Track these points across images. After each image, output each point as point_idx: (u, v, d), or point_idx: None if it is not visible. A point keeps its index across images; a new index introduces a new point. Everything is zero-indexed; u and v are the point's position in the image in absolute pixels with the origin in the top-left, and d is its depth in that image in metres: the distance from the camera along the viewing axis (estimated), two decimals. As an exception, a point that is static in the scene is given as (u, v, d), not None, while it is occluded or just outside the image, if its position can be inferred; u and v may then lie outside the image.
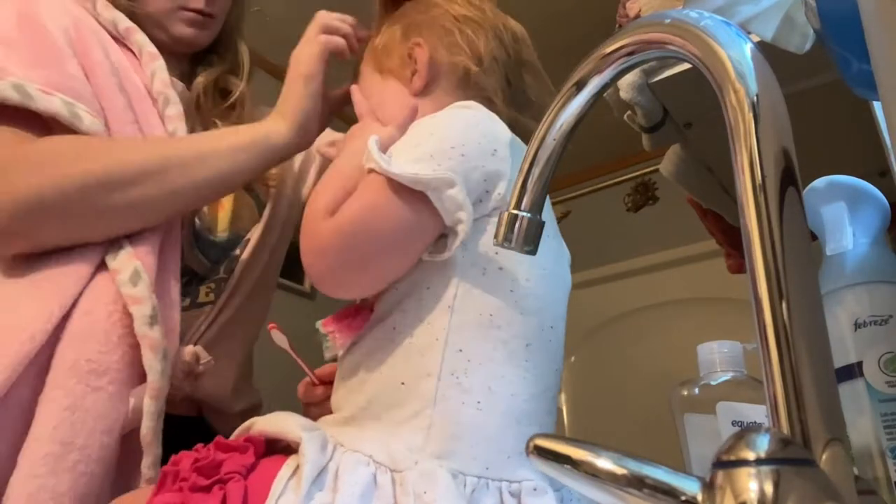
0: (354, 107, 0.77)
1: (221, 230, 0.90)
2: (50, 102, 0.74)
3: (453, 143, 0.60)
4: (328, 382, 0.75)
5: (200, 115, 0.92)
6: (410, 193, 0.58)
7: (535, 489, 0.56)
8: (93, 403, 0.68)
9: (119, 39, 0.86)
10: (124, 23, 0.86)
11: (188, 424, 0.82)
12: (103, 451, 0.68)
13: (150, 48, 0.86)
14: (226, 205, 0.91)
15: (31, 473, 0.64)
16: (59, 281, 0.72)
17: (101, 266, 0.74)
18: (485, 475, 0.56)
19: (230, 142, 0.79)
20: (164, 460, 0.69)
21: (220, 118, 0.94)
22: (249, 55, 1.00)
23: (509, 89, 0.74)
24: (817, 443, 0.31)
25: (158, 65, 0.85)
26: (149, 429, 0.70)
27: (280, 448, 0.59)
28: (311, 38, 0.82)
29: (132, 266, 0.73)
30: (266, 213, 0.94)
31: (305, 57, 0.81)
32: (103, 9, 0.86)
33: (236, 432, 0.62)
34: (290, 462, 0.55)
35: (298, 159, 1.00)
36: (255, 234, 0.93)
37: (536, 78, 0.77)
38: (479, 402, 0.58)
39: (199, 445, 0.59)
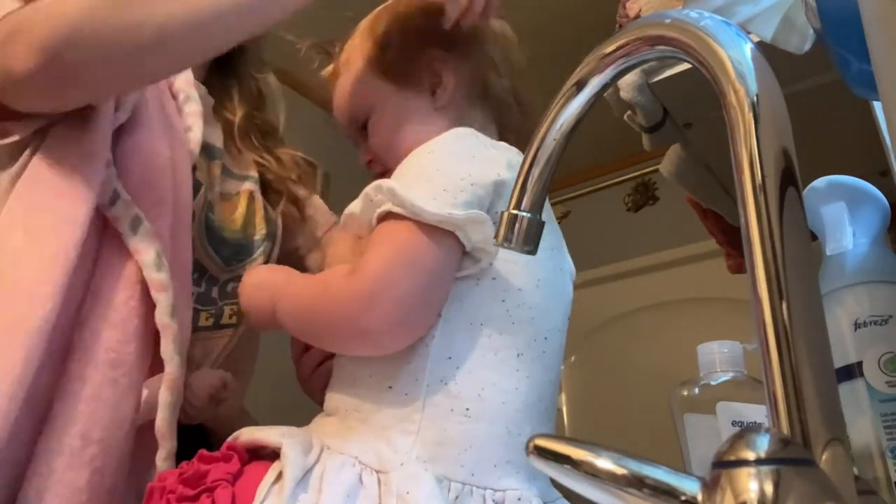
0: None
1: (234, 230, 0.89)
2: None
3: (462, 175, 0.61)
4: None
5: (236, 131, 0.94)
6: (441, 233, 0.58)
7: (519, 499, 0.56)
8: (109, 396, 0.66)
9: None
10: None
11: (192, 432, 0.80)
12: (117, 444, 0.67)
13: None
14: (240, 206, 0.91)
15: (48, 468, 0.63)
16: (60, 232, 0.67)
17: (106, 236, 0.71)
18: (470, 482, 0.56)
19: None
20: (177, 454, 0.69)
21: (259, 134, 0.97)
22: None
23: (515, 95, 0.75)
24: (817, 443, 0.31)
25: None
26: (164, 420, 0.69)
27: (264, 455, 0.59)
28: None
29: (154, 248, 0.71)
30: (278, 236, 0.94)
31: None
32: None
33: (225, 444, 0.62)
34: (275, 466, 0.56)
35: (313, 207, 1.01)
36: (272, 258, 0.93)
37: (524, 81, 0.77)
38: (467, 409, 0.58)
39: (184, 462, 0.59)
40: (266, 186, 0.96)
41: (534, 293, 0.63)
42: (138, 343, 0.69)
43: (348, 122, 0.76)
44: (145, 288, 0.70)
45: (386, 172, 0.72)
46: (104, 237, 0.71)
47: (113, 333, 0.68)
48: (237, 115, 0.96)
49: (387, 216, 0.60)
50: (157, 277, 0.70)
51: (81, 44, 0.65)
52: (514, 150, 0.67)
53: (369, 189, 0.62)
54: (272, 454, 0.58)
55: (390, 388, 0.59)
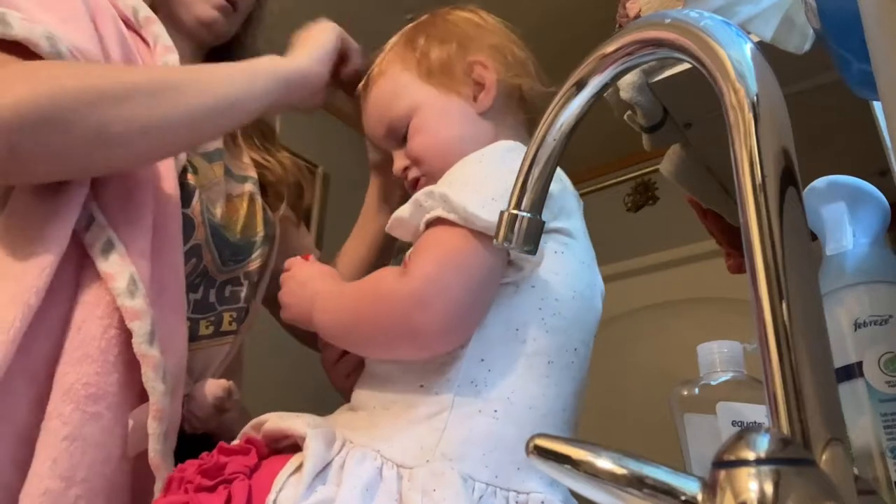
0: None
1: (235, 231, 0.88)
2: (31, 31, 0.67)
3: (510, 185, 0.61)
4: None
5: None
6: (490, 240, 0.58)
7: (542, 502, 0.56)
8: (91, 432, 0.64)
9: (135, 28, 0.84)
10: (144, 12, 0.85)
11: (197, 440, 0.79)
12: (104, 481, 0.65)
13: (166, 41, 0.84)
14: (241, 208, 0.90)
15: None
16: (20, 277, 0.64)
17: (83, 262, 0.68)
18: (493, 483, 0.56)
19: (236, 68, 0.77)
20: None
21: (259, 136, 0.97)
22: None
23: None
24: (817, 443, 0.31)
25: (171, 58, 0.83)
26: (156, 452, 0.67)
27: (284, 447, 0.60)
28: (330, 26, 0.84)
29: (127, 273, 0.67)
30: (276, 238, 0.94)
31: (327, 29, 0.83)
32: None
33: (246, 428, 0.63)
34: (294, 459, 0.56)
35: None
36: (270, 262, 0.92)
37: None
38: (496, 411, 0.58)
39: (204, 453, 0.60)
40: (265, 188, 0.95)
41: (569, 304, 0.64)
42: (121, 373, 0.67)
43: (387, 129, 0.76)
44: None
45: (421, 178, 0.73)
46: (84, 265, 0.69)
47: (91, 366, 0.65)
48: None
49: (436, 221, 0.61)
50: (131, 305, 0.67)
51: (40, 137, 0.63)
52: None
53: (420, 195, 0.63)
54: (292, 447, 0.58)
55: (422, 386, 0.60)
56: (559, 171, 0.65)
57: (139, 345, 0.66)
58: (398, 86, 0.75)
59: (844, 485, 0.31)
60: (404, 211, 0.64)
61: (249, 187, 0.92)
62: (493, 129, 0.71)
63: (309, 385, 1.13)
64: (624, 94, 0.85)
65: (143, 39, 0.84)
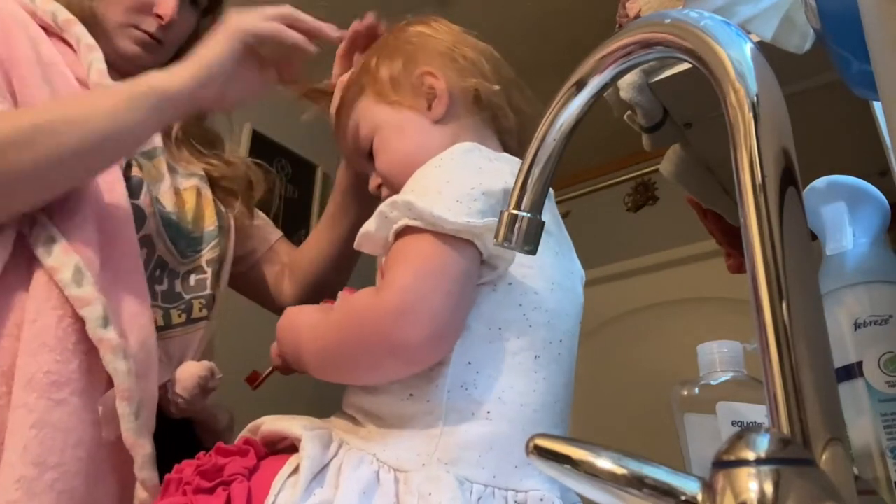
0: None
1: (187, 222, 0.89)
2: None
3: (472, 185, 0.61)
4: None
5: (172, 146, 0.93)
6: (461, 242, 0.59)
7: (541, 499, 0.56)
8: (59, 418, 0.65)
9: (56, 33, 0.83)
10: (63, 14, 0.83)
11: (176, 426, 0.80)
12: (80, 464, 0.66)
13: (88, 40, 0.83)
14: (188, 201, 0.90)
15: (6, 500, 0.61)
16: None
17: (32, 262, 0.70)
18: (491, 483, 0.56)
19: (107, 100, 0.74)
20: (163, 461, 0.68)
21: (201, 143, 0.97)
22: None
23: (509, 101, 0.76)
24: (817, 443, 0.31)
25: (95, 56, 0.82)
26: (129, 431, 0.68)
27: (282, 449, 0.60)
28: (266, 15, 0.80)
29: (72, 263, 0.69)
30: (231, 229, 0.95)
31: (248, 25, 0.78)
32: (43, 1, 0.84)
33: (244, 431, 0.63)
34: (292, 460, 0.56)
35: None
36: (228, 253, 0.93)
37: (521, 90, 0.78)
38: (488, 412, 0.58)
39: (201, 453, 0.60)
40: (213, 184, 0.96)
41: (549, 296, 0.64)
42: (82, 360, 0.68)
43: (354, 153, 0.78)
44: None
45: (393, 195, 0.74)
46: (32, 265, 0.70)
47: (50, 355, 0.66)
48: (174, 125, 0.94)
49: (405, 231, 0.60)
50: (78, 293, 0.68)
51: None
52: (515, 160, 0.69)
53: (383, 206, 0.62)
54: (290, 448, 0.58)
55: (411, 395, 0.59)
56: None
57: (93, 329, 0.68)
58: (357, 112, 0.77)
59: (844, 485, 0.31)
60: (370, 225, 0.64)
61: (195, 182, 0.93)
62: (451, 133, 0.71)
63: (307, 386, 1.13)
64: (624, 94, 0.85)
65: (66, 42, 0.83)
